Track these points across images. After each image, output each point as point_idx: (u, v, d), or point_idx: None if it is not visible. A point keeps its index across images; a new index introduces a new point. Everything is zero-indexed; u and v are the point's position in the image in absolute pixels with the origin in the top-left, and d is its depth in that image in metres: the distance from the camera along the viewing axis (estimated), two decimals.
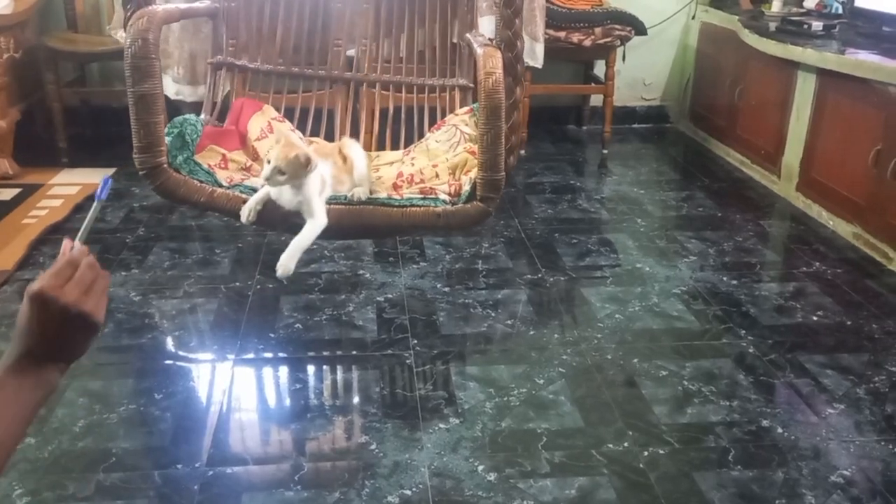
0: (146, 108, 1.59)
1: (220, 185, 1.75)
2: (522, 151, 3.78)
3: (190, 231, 2.82)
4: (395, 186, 1.86)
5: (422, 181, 1.85)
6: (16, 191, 3.08)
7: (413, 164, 1.92)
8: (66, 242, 0.87)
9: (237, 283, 2.43)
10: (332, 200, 1.71)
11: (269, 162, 1.62)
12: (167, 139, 1.72)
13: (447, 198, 1.76)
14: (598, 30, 3.62)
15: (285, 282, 1.31)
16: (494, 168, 1.62)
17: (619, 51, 3.78)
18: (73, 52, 3.47)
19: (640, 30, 3.69)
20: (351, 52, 2.23)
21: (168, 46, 3.20)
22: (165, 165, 1.67)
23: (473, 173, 1.73)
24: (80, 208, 2.95)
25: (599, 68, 3.99)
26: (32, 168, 3.31)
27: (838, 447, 1.74)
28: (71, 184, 3.16)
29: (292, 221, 1.69)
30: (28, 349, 0.78)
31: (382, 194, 1.78)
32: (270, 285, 2.43)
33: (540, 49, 3.45)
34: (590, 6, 3.68)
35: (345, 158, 1.78)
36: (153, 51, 1.57)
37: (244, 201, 1.70)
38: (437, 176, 1.86)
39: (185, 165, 1.73)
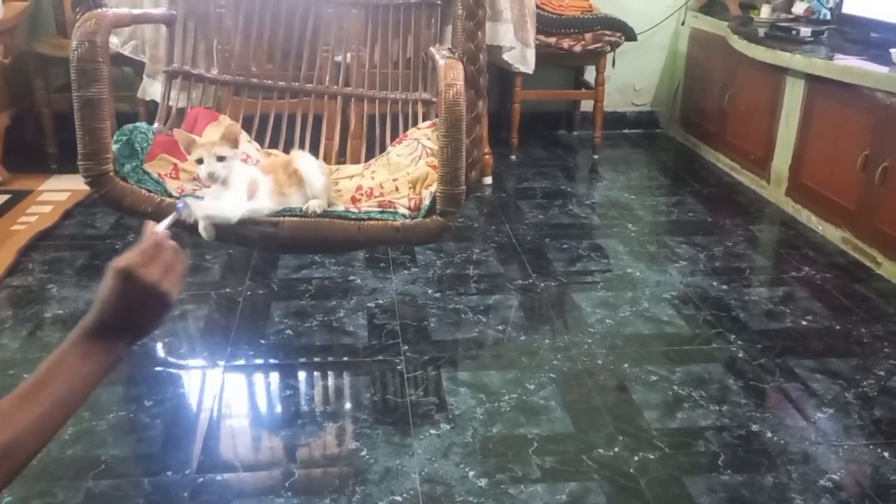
0: (92, 114, 1.54)
1: (170, 195, 1.69)
2: (513, 157, 3.79)
3: (180, 237, 2.81)
4: (354, 200, 1.82)
5: (381, 194, 1.81)
6: (5, 197, 3.07)
7: (373, 178, 1.89)
8: (149, 224, 0.93)
9: (227, 290, 2.43)
10: (286, 212, 1.68)
11: (200, 161, 1.58)
12: (114, 147, 1.66)
13: (406, 212, 1.72)
14: (588, 35, 3.63)
15: (180, 208, 1.30)
16: (455, 182, 1.59)
17: (610, 56, 3.80)
18: (62, 57, 3.44)
19: (630, 35, 3.71)
20: (315, 64, 2.19)
21: (158, 53, 3.19)
22: (111, 174, 1.62)
23: (434, 187, 1.70)
24: (70, 214, 2.94)
25: (590, 74, 4.00)
26: (22, 174, 3.30)
27: (827, 451, 1.75)
28: (60, 190, 3.15)
29: (243, 234, 1.66)
30: (104, 320, 0.83)
31: (340, 207, 1.76)
32: (261, 291, 2.42)
33: (531, 54, 3.45)
34: (580, 12, 3.70)
35: (294, 172, 1.74)
36: (101, 54, 1.53)
37: None
38: (396, 189, 1.82)
39: (133, 174, 1.67)
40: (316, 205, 1.68)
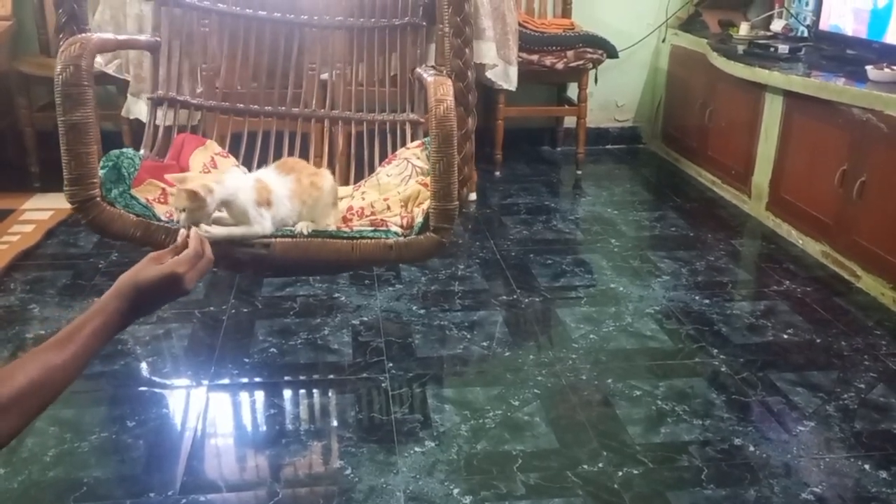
0: (78, 138, 1.52)
1: (158, 220, 1.68)
2: (498, 173, 3.81)
3: None
4: (345, 219, 1.81)
5: (372, 213, 1.81)
6: None
7: (364, 199, 1.88)
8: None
9: (211, 308, 2.42)
10: (277, 234, 1.63)
11: (177, 210, 1.52)
12: (101, 172, 1.65)
13: (399, 230, 1.72)
14: (570, 53, 3.67)
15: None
16: (447, 198, 1.58)
17: (592, 73, 3.84)
18: (45, 76, 3.43)
19: (612, 53, 3.75)
20: (301, 88, 2.17)
21: (142, 72, 3.20)
22: (98, 199, 1.61)
23: (426, 205, 1.68)
24: (52, 233, 2.93)
25: (572, 90, 4.03)
26: (4, 193, 3.28)
27: (809, 464, 1.77)
28: (43, 209, 3.13)
29: (235, 258, 1.62)
30: (136, 301, 1.03)
31: (332, 227, 1.75)
32: (245, 310, 2.42)
33: (513, 72, 3.48)
34: (562, 30, 3.74)
35: (318, 186, 1.72)
36: (86, 78, 1.52)
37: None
38: (388, 208, 1.81)
39: (121, 199, 1.64)
40: (303, 226, 1.65)
